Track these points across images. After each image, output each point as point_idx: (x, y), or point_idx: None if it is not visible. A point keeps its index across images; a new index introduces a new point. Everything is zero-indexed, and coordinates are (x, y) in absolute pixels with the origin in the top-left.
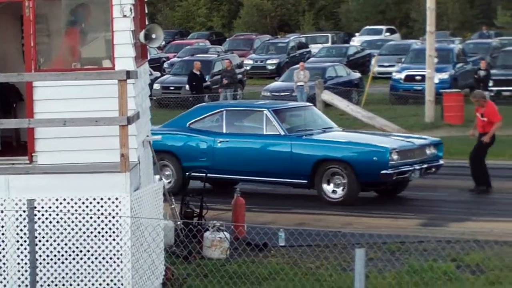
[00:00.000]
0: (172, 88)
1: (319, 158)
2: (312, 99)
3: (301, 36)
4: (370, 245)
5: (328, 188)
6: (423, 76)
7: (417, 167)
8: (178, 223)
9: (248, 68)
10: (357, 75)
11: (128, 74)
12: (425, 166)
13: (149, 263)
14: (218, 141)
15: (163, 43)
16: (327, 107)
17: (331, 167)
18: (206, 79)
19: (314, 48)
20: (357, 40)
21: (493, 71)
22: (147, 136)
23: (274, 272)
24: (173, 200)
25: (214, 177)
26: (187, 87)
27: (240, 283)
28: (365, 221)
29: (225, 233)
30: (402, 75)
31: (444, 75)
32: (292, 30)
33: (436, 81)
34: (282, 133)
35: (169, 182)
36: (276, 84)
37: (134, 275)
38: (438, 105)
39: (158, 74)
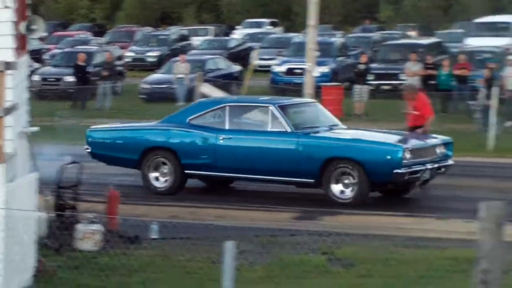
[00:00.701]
0: (51, 79)
1: (329, 157)
2: (191, 91)
3: (183, 28)
4: (242, 238)
5: (336, 188)
6: (303, 70)
7: (428, 166)
8: (51, 215)
9: (128, 60)
10: (237, 68)
11: (7, 65)
12: (435, 165)
13: (21, 255)
14: (220, 137)
15: (45, 34)
16: None
17: (340, 166)
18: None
19: (196, 40)
20: (238, 33)
21: (373, 65)
22: (24, 127)
23: (144, 264)
24: (48, 191)
25: (215, 175)
26: (66, 78)
27: (111, 275)
28: (238, 214)
29: (98, 225)
30: (282, 68)
31: (325, 69)
32: (175, 23)
33: (317, 74)
34: (289, 130)
35: (166, 181)
36: (156, 76)
37: (6, 267)
38: (318, 98)
39: (38, 65)
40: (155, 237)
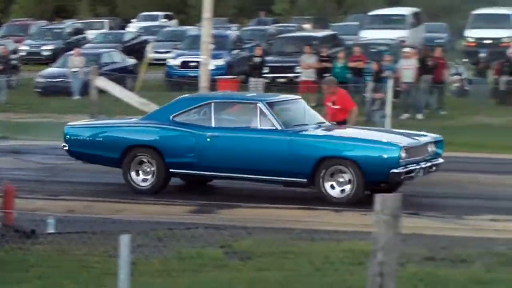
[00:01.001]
0: None
1: (323, 156)
2: (86, 85)
3: (77, 22)
4: (138, 231)
5: (330, 187)
6: (198, 63)
7: (422, 165)
8: None
9: (23, 54)
10: (132, 61)
11: None
12: (428, 164)
13: None
14: (207, 135)
15: None
16: (102, 93)
17: (334, 165)
18: None
19: (91, 34)
20: (133, 27)
21: (268, 58)
22: None
23: (41, 259)
24: None
25: (201, 174)
26: None
27: (7, 270)
28: (136, 208)
29: None
30: (177, 62)
31: (220, 62)
32: (70, 16)
33: (212, 67)
34: (279, 127)
35: (145, 180)
36: (51, 70)
37: None
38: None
39: None
40: (52, 231)
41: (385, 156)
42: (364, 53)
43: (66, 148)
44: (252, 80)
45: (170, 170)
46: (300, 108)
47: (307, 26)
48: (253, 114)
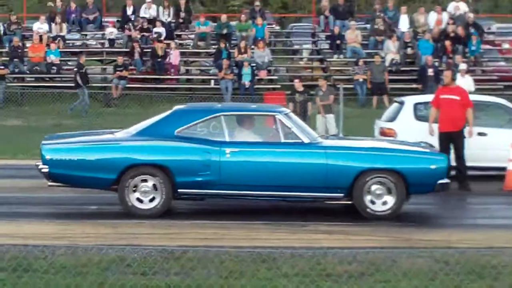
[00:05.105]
0: None
1: (364, 169)
2: None
3: None
4: None
5: (370, 202)
6: None
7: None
8: None
9: None
10: None
11: None
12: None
13: None
14: (226, 151)
15: None
16: None
17: (375, 177)
18: None
19: None
20: None
21: None
22: None
23: None
24: None
25: (219, 194)
26: None
27: None
28: None
29: None
30: None
31: None
32: None
33: None
34: (306, 140)
35: (151, 201)
36: None
37: None
38: None
39: None
40: None
41: (433, 166)
42: None
43: (46, 170)
44: None
45: (179, 190)
46: (300, 120)
47: None
48: (271, 127)
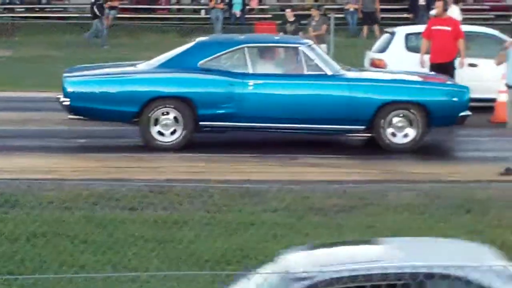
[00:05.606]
0: None
1: (387, 101)
2: None
3: None
4: None
5: (391, 134)
6: None
7: None
8: None
9: None
10: None
11: None
12: None
13: None
14: (249, 83)
15: None
16: None
17: (397, 110)
18: None
19: None
20: None
21: None
22: None
23: None
24: None
25: (241, 126)
26: None
27: None
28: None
29: None
30: None
31: None
32: None
33: None
34: (330, 72)
35: (173, 134)
36: None
37: None
38: None
39: None
40: None
41: (455, 98)
42: None
43: (67, 103)
44: None
45: (201, 123)
46: (322, 52)
47: None
48: (295, 59)
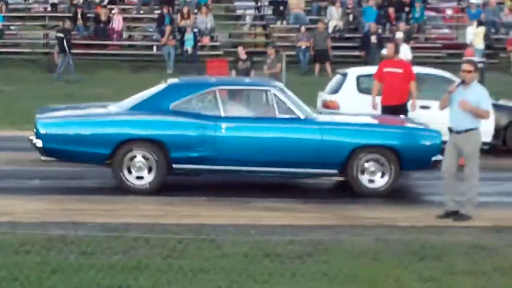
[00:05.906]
0: None
1: (358, 145)
2: None
3: None
4: None
5: (365, 178)
6: None
7: None
8: None
9: None
10: None
11: None
12: None
13: None
14: (222, 126)
15: None
16: None
17: (370, 154)
18: None
19: None
20: None
21: None
22: None
23: None
24: None
25: (213, 169)
26: None
27: None
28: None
29: None
30: None
31: None
32: None
33: None
34: (302, 116)
35: (140, 178)
36: None
37: None
38: None
39: None
40: None
41: (428, 142)
42: None
43: (40, 145)
44: None
45: (174, 165)
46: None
47: None
48: (266, 102)
